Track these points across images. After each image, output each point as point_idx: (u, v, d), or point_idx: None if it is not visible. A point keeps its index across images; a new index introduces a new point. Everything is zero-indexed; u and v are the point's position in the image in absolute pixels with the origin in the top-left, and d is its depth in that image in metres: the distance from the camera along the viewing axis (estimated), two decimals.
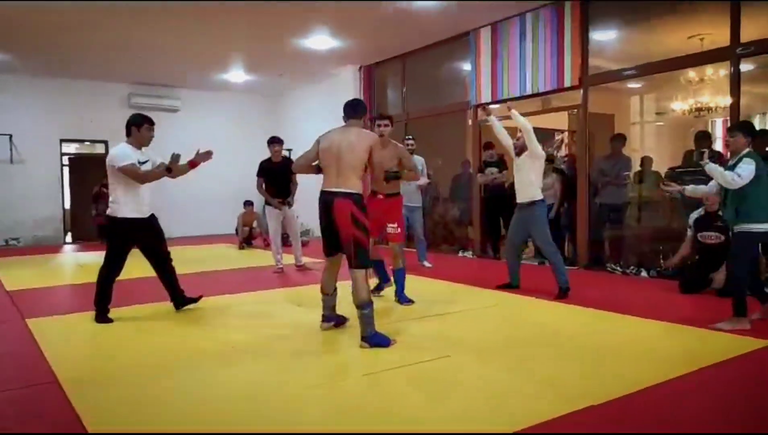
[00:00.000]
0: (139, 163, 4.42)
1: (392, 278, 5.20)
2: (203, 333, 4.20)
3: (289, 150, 11.06)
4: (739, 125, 4.42)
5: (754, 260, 4.35)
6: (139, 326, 4.41)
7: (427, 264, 7.30)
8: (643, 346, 3.73)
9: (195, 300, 4.89)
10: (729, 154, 4.37)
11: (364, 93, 10.61)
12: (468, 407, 2.71)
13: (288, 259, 7.33)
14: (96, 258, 9.52)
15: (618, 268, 6.76)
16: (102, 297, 4.49)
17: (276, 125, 13.19)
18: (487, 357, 3.51)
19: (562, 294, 5.18)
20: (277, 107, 13.76)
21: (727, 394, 2.94)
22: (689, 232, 5.50)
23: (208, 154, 4.59)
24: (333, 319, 4.17)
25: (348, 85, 10.70)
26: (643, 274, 6.49)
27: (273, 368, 3.38)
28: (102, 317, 4.47)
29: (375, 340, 3.67)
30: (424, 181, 7.15)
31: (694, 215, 5.46)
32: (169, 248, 4.79)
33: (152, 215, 4.64)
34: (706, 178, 4.59)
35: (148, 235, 4.60)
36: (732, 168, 4.10)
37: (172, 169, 4.45)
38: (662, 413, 2.63)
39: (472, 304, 5.01)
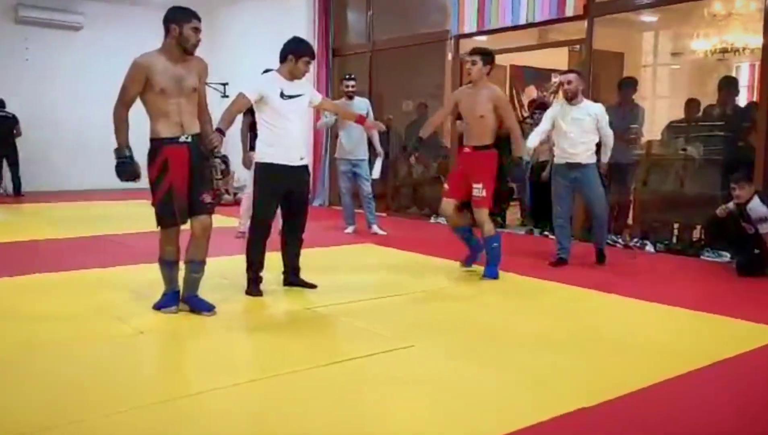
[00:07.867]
0: (286, 96, 4.43)
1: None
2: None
3: (225, 84, 10.73)
4: None
5: None
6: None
7: (378, 230, 7.09)
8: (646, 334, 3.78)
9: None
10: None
11: (319, 17, 10.28)
12: (431, 409, 2.69)
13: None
14: None
15: (619, 240, 6.82)
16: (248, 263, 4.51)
17: (207, 52, 12.62)
18: (459, 346, 3.49)
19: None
20: (209, 29, 13.15)
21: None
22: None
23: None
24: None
25: (299, 6, 10.36)
26: (649, 247, 6.57)
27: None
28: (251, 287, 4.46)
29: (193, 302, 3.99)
30: (377, 124, 6.82)
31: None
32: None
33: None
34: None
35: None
36: None
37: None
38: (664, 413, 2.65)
39: (441, 283, 5.02)
